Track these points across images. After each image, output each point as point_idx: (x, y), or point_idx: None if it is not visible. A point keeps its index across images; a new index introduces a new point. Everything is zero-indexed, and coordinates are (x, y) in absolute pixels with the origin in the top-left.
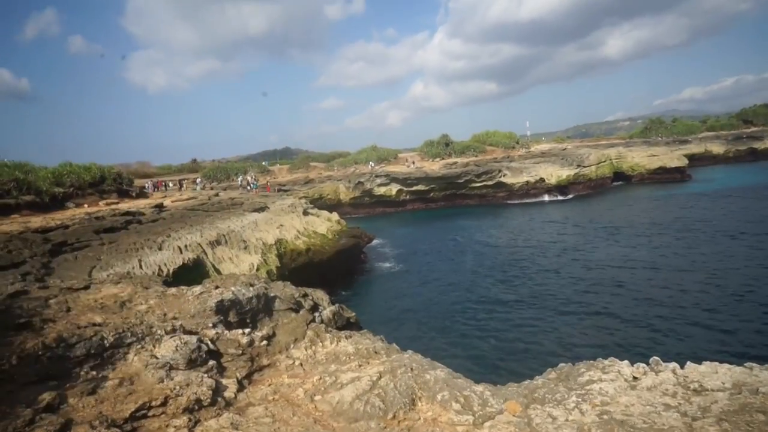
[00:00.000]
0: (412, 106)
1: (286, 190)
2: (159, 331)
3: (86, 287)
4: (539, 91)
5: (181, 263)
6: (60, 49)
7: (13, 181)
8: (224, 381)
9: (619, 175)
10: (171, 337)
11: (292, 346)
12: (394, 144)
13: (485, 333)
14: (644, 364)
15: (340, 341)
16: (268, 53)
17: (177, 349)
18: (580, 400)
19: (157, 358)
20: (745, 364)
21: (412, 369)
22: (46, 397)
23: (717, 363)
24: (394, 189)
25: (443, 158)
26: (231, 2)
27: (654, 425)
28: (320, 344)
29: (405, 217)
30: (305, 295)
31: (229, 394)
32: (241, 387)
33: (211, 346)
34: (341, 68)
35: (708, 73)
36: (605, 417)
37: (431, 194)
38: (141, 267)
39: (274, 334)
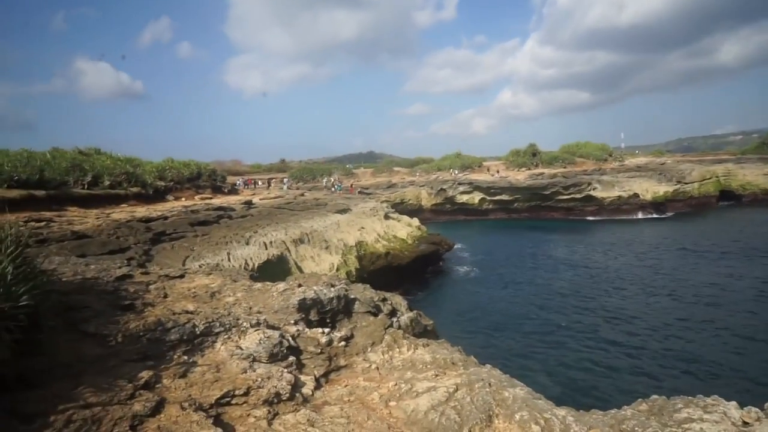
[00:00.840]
0: (499, 114)
1: (368, 194)
2: (244, 324)
3: (181, 276)
4: (638, 101)
5: (265, 258)
6: (170, 54)
7: (124, 174)
8: (302, 377)
9: (727, 194)
10: (255, 330)
11: (369, 349)
12: (478, 152)
13: (564, 353)
14: (757, 409)
15: (417, 348)
16: (358, 58)
17: (260, 342)
18: None
19: (241, 349)
20: None
21: (490, 384)
22: (145, 375)
23: None
24: (476, 197)
25: (529, 168)
26: (325, 9)
27: None
28: (397, 350)
29: (486, 226)
30: (384, 300)
31: (306, 390)
32: (318, 385)
33: (292, 342)
34: (429, 74)
35: None
36: None
37: (515, 204)
38: (229, 260)
39: (352, 336)
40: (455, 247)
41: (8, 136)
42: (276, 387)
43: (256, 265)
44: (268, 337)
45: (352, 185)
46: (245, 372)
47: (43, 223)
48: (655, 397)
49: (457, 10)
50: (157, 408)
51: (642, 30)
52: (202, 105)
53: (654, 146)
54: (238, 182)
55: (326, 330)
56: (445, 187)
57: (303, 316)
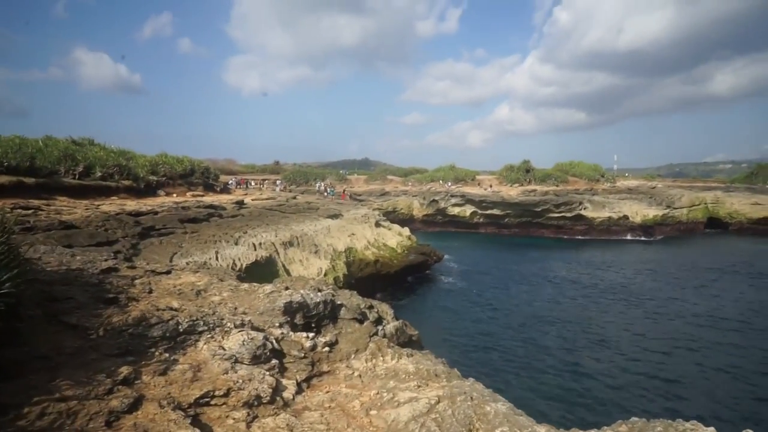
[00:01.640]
0: (495, 129)
1: (361, 200)
2: (229, 324)
3: (168, 272)
4: (632, 125)
5: (254, 260)
6: (170, 50)
7: (117, 166)
8: (284, 381)
9: (714, 222)
10: (239, 331)
11: (353, 356)
12: (472, 165)
13: (547, 370)
14: None
15: (401, 358)
16: (358, 64)
17: (244, 344)
18: None
19: (224, 349)
20: None
21: (472, 398)
22: (124, 370)
23: None
24: (468, 210)
25: (522, 184)
26: (327, 13)
27: None
28: (381, 358)
29: (476, 239)
30: (371, 307)
31: (287, 395)
32: (299, 390)
33: (276, 345)
34: (427, 85)
35: None
36: None
37: (506, 219)
38: (217, 259)
39: (336, 342)
40: (444, 258)
41: (1, 122)
42: (257, 389)
43: (244, 266)
44: (251, 339)
45: (344, 191)
46: (226, 373)
47: (30, 211)
48: (635, 419)
49: (459, 22)
50: (135, 405)
51: (639, 54)
52: (199, 102)
53: (646, 170)
54: (230, 181)
55: (311, 335)
56: (437, 198)
57: (288, 319)
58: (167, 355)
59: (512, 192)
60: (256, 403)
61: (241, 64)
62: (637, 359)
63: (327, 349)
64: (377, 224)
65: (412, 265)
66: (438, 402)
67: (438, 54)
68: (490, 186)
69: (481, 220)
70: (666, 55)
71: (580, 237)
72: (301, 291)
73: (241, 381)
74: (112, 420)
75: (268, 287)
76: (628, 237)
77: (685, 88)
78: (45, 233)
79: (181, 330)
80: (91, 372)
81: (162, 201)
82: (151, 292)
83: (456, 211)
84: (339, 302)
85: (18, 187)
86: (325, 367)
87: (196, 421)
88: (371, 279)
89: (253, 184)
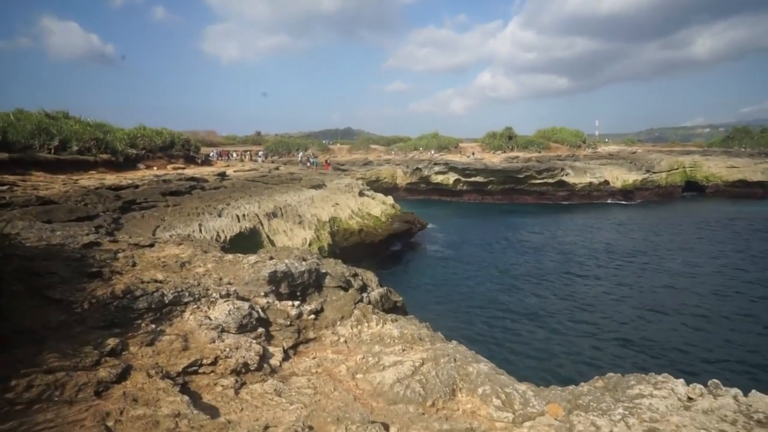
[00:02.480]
0: (478, 96)
1: (344, 170)
2: (214, 294)
3: (151, 245)
4: (613, 90)
5: (238, 231)
6: (144, 18)
7: (94, 140)
8: (271, 349)
9: (691, 185)
10: (225, 301)
11: (338, 323)
12: (456, 132)
13: (529, 333)
14: (701, 386)
15: (385, 323)
16: (338, 32)
17: (230, 313)
18: (627, 413)
19: (210, 319)
20: None
21: (455, 359)
22: (111, 342)
23: None
24: (451, 178)
25: (505, 151)
26: None
27: None
28: (366, 324)
29: (460, 207)
30: (355, 275)
31: (274, 361)
32: (286, 356)
33: (262, 314)
34: (410, 52)
35: None
36: None
37: (489, 187)
38: (201, 231)
39: (322, 310)
40: (428, 226)
41: None
42: (244, 357)
43: (227, 238)
44: (237, 308)
45: (327, 161)
46: (213, 342)
47: (5, 187)
48: (610, 374)
49: None
50: (123, 375)
51: (621, 19)
52: (177, 73)
53: (627, 135)
54: (212, 153)
55: (296, 303)
56: (420, 166)
57: (273, 288)
58: (154, 326)
59: (495, 159)
60: (243, 370)
61: (219, 32)
62: (616, 319)
63: (312, 316)
64: (361, 193)
65: (396, 233)
66: (422, 364)
67: (420, 20)
68: (473, 153)
69: (465, 187)
70: (646, 20)
71: (562, 202)
72: (286, 260)
73: (228, 349)
74: (101, 390)
75: (252, 257)
76: (609, 201)
77: (666, 52)
78: (22, 209)
79: (167, 301)
80: (78, 344)
81: (142, 174)
82: (134, 265)
83: (439, 179)
84: (324, 271)
85: None
86: (311, 334)
87: (185, 389)
88: (356, 248)
89: (234, 155)
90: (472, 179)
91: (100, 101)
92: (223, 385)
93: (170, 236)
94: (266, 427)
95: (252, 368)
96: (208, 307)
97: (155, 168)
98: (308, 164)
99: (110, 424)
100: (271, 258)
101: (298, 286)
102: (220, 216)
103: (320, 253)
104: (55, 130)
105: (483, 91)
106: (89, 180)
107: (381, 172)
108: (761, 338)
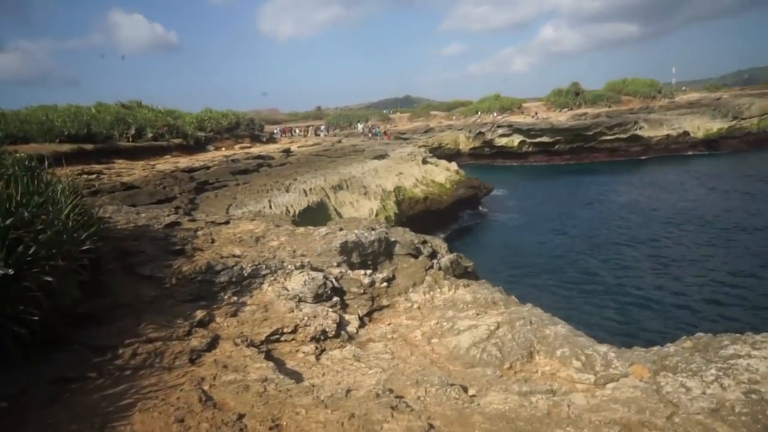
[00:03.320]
0: (541, 52)
1: (405, 139)
2: (289, 266)
3: (226, 222)
4: (692, 31)
5: (306, 205)
6: (200, 3)
7: (166, 126)
8: (347, 317)
9: None
10: (300, 272)
11: (410, 289)
12: (518, 92)
13: (608, 295)
14: None
15: (458, 288)
16: None
17: (305, 284)
18: (721, 374)
19: (287, 290)
20: None
21: (531, 322)
22: (199, 314)
23: None
24: (516, 140)
25: (572, 108)
26: None
27: None
28: (438, 290)
29: (526, 170)
30: (424, 242)
31: (351, 328)
32: (362, 323)
33: (336, 283)
34: (466, 11)
35: None
36: (753, 396)
37: (556, 147)
38: (271, 207)
39: (393, 277)
40: (494, 191)
41: (54, 92)
42: (322, 325)
43: (296, 212)
44: (312, 279)
45: (387, 131)
46: (292, 311)
47: (94, 175)
48: (700, 334)
49: None
50: (213, 344)
51: None
52: (236, 54)
53: (710, 80)
54: (275, 131)
55: (368, 272)
56: (483, 130)
57: (345, 258)
58: (236, 298)
59: (561, 117)
60: (322, 337)
61: (274, 10)
62: (703, 281)
63: (385, 284)
64: (424, 161)
65: (462, 199)
66: (497, 328)
67: None
68: (536, 114)
69: (530, 149)
70: None
71: (638, 158)
72: (355, 231)
73: (306, 318)
74: (195, 358)
75: (323, 230)
76: (690, 153)
77: None
78: (109, 194)
79: (246, 274)
80: (170, 316)
81: (212, 156)
82: (213, 241)
83: (503, 141)
84: (393, 239)
85: (79, 153)
86: (384, 302)
87: (269, 356)
88: (423, 216)
89: (297, 131)
90: (538, 140)
91: (168, 88)
92: (304, 352)
93: (243, 213)
94: (348, 390)
95: (330, 335)
96: (285, 279)
97: (224, 149)
98: (370, 135)
99: (206, 388)
100: (341, 229)
101: (369, 255)
102: (287, 191)
103: (387, 223)
104: (131, 120)
105: (546, 47)
106: (165, 164)
107: (443, 138)
108: None
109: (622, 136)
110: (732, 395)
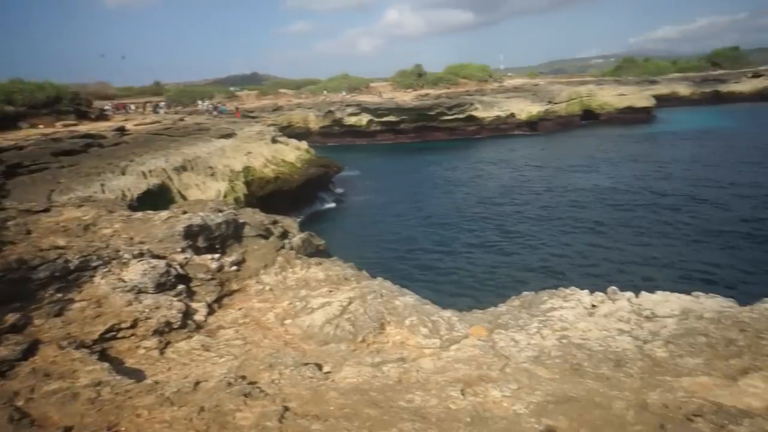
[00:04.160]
0: (385, 34)
1: (253, 117)
2: (126, 255)
3: (46, 210)
4: (516, 23)
5: (145, 189)
6: None
7: None
8: (194, 305)
9: (587, 114)
10: (138, 261)
11: (262, 271)
12: (365, 73)
13: (451, 264)
14: (602, 293)
15: (310, 267)
16: None
17: (145, 273)
18: (541, 325)
19: (124, 281)
20: (692, 293)
21: (381, 295)
22: (10, 318)
23: (668, 292)
24: (364, 119)
25: (415, 89)
26: None
27: (609, 348)
28: (290, 270)
29: (375, 148)
30: (275, 222)
31: (199, 317)
32: (211, 311)
33: (180, 270)
34: None
35: (683, 10)
36: (564, 341)
37: (402, 125)
38: (104, 191)
39: (243, 260)
40: (344, 170)
41: None
42: (166, 316)
43: (135, 196)
44: (153, 267)
45: (237, 109)
46: (130, 304)
47: None
48: (525, 293)
49: None
50: (30, 350)
51: None
52: (57, 17)
53: (530, 68)
54: (107, 107)
55: (216, 256)
56: (332, 109)
57: (190, 243)
58: (60, 295)
59: (406, 97)
60: (166, 329)
61: None
62: (530, 243)
63: (234, 268)
64: (273, 140)
65: (313, 178)
66: (350, 303)
67: None
68: (380, 93)
69: (378, 128)
70: None
71: (473, 137)
72: (201, 213)
73: (147, 310)
74: (5, 370)
75: (164, 213)
76: (516, 133)
77: None
78: None
79: (72, 267)
80: None
81: (26, 134)
82: (29, 232)
83: (352, 120)
84: (242, 221)
85: None
86: (234, 286)
87: (104, 356)
88: (274, 197)
89: (133, 108)
90: (385, 119)
91: None
92: (146, 347)
93: (68, 199)
94: (197, 383)
95: (176, 326)
96: (121, 269)
97: (41, 126)
98: (215, 113)
99: (20, 403)
100: (185, 212)
101: (216, 238)
102: (123, 174)
103: (237, 204)
104: None
105: (390, 29)
106: None
107: (292, 117)
108: (650, 241)
109: (460, 116)
110: (549, 342)
